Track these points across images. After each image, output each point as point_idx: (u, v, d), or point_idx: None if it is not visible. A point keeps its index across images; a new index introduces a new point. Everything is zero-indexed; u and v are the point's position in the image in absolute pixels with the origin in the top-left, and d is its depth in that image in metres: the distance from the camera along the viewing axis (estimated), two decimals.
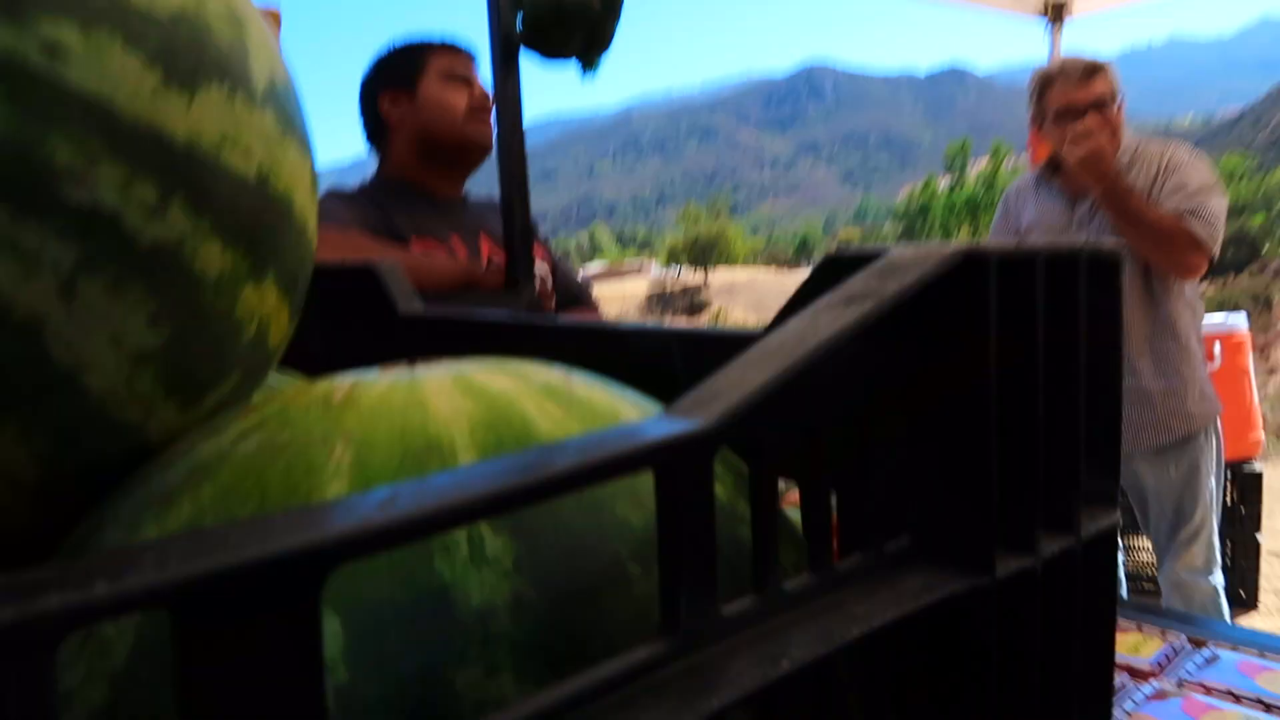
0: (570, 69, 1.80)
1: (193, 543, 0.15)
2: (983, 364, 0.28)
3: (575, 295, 1.74)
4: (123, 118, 0.29)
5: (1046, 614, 0.31)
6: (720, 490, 0.29)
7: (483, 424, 0.31)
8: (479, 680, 0.26)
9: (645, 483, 0.31)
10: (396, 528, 0.17)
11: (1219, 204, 2.06)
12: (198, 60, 0.33)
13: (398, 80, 1.55)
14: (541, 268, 1.60)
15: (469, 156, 1.57)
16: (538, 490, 0.20)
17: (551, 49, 1.92)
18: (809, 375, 0.24)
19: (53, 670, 0.13)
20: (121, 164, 0.29)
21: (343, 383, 0.35)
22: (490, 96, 1.52)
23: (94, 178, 0.28)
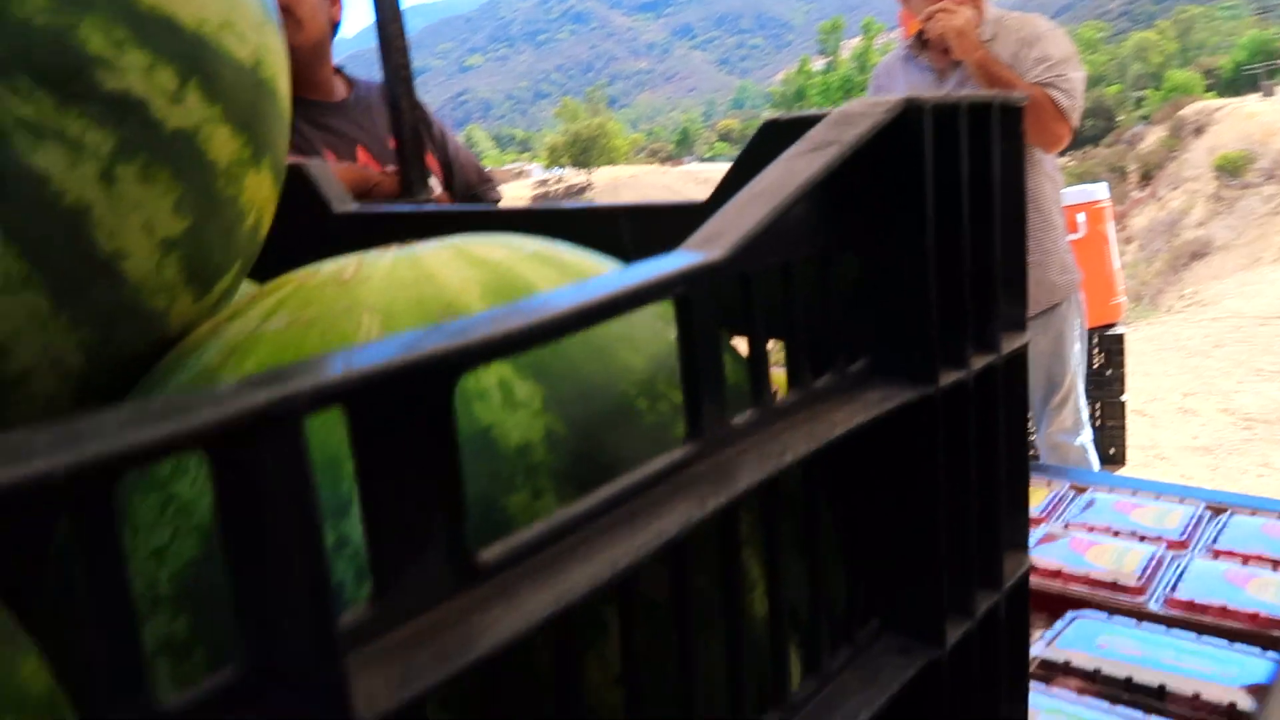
0: None
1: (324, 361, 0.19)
2: (921, 200, 0.33)
3: (477, 188, 1.71)
4: (141, 3, 0.31)
5: (979, 418, 0.38)
6: None
7: (491, 288, 0.35)
8: (528, 503, 0.31)
9: (642, 330, 0.36)
10: (522, 333, 0.21)
11: (1080, 75, 2.16)
12: None
13: None
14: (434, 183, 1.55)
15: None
16: (588, 315, 0.24)
17: None
18: (793, 213, 0.28)
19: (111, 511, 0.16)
20: (145, 51, 0.31)
21: (346, 263, 0.38)
22: None
23: (123, 65, 0.30)
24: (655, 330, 0.36)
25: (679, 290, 0.26)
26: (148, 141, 0.31)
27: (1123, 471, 3.46)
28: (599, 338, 0.34)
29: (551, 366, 0.33)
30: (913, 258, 0.34)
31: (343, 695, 0.18)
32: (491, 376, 0.32)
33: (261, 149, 0.37)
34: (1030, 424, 2.63)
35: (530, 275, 0.36)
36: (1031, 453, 2.64)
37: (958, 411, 0.36)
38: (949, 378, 0.36)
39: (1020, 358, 0.42)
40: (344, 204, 0.72)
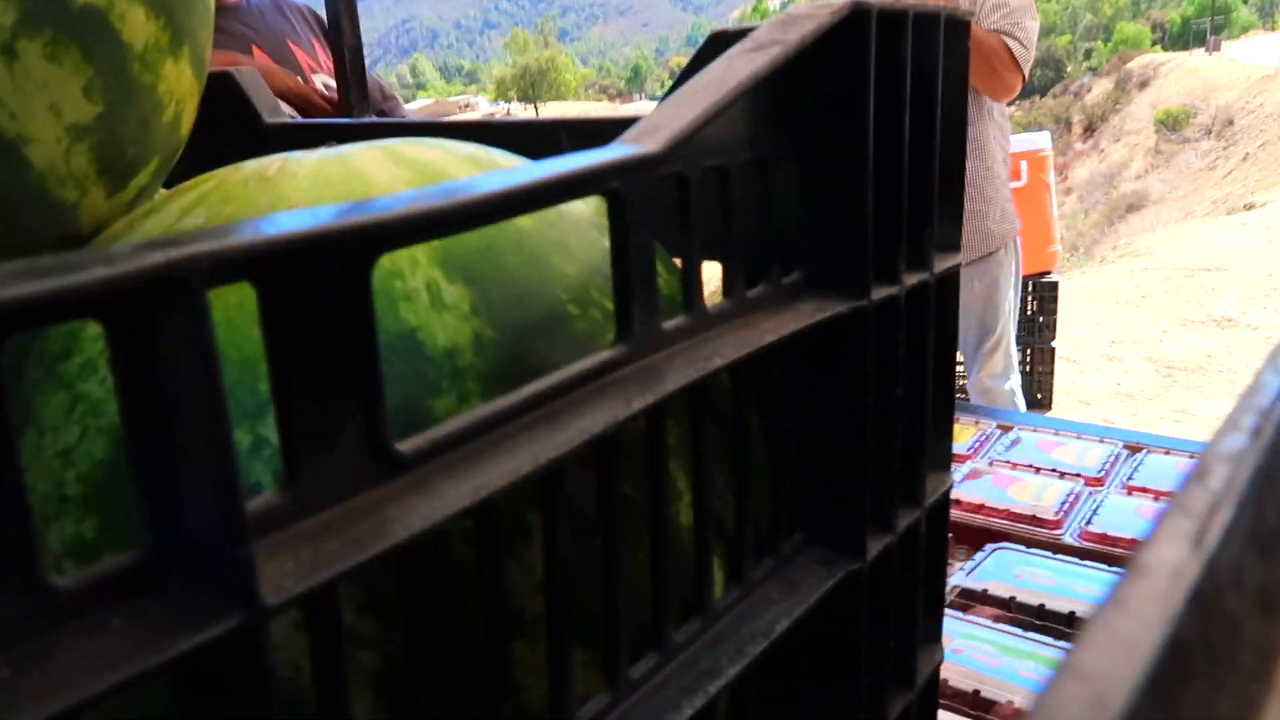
0: None
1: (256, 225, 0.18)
2: (863, 107, 0.32)
3: (381, 105, 1.65)
4: None
5: (909, 335, 0.38)
6: None
7: (416, 187, 0.34)
8: (454, 407, 0.30)
9: (577, 237, 0.35)
10: (443, 214, 0.20)
11: (1033, 25, 2.17)
12: None
13: None
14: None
15: None
16: (514, 201, 0.23)
17: None
18: (733, 111, 0.28)
19: None
20: None
21: (270, 161, 0.36)
22: None
23: None
24: (591, 239, 0.36)
25: (611, 183, 0.25)
26: (53, 16, 0.29)
27: (1048, 415, 3.56)
28: (532, 242, 0.34)
29: (482, 270, 0.32)
30: (852, 168, 0.34)
31: (248, 579, 0.18)
32: (419, 278, 0.31)
33: (180, 36, 0.35)
34: (961, 367, 2.69)
35: (463, 176, 0.35)
36: (962, 395, 2.71)
37: (888, 327, 0.36)
38: (881, 292, 0.36)
39: (952, 278, 0.42)
40: (275, 115, 0.69)
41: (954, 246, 0.42)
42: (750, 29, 0.36)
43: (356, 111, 1.46)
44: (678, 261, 0.34)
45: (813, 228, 0.35)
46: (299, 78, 1.44)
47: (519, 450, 0.23)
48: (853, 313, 0.35)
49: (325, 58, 1.52)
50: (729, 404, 0.33)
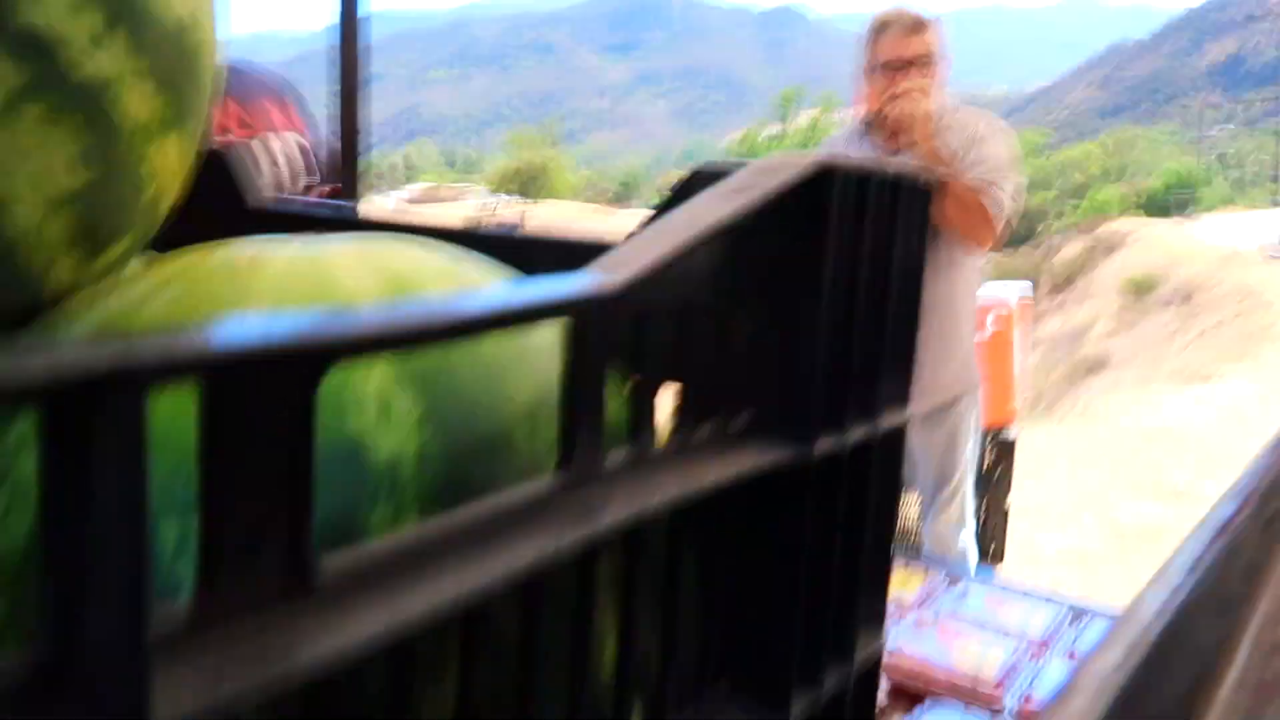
0: None
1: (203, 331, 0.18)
2: (822, 263, 0.34)
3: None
4: None
5: (851, 489, 0.38)
6: None
7: (389, 295, 0.35)
8: (389, 519, 0.30)
9: (537, 357, 0.35)
10: (397, 333, 0.20)
11: (1018, 181, 2.24)
12: None
13: None
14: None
15: None
16: (471, 325, 0.24)
17: None
18: (697, 253, 0.29)
19: None
20: None
21: (242, 250, 0.36)
22: None
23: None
24: (551, 362, 0.36)
25: (568, 313, 0.26)
26: (59, 83, 0.30)
27: (999, 571, 3.55)
28: (491, 359, 0.34)
29: (437, 382, 0.32)
30: (807, 317, 0.35)
31: (141, 696, 0.17)
32: (371, 385, 0.31)
33: (182, 113, 0.36)
34: (918, 514, 2.70)
35: (434, 287, 0.36)
36: (915, 541, 2.70)
37: (831, 479, 0.37)
38: (826, 444, 0.36)
39: (899, 434, 0.43)
40: (259, 198, 0.70)
41: (903, 402, 0.43)
42: (731, 167, 0.38)
43: (346, 194, 1.49)
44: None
45: (765, 372, 0.36)
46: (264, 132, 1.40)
47: (443, 581, 0.23)
48: (796, 463, 0.35)
49: (287, 119, 1.48)
50: (664, 543, 0.33)
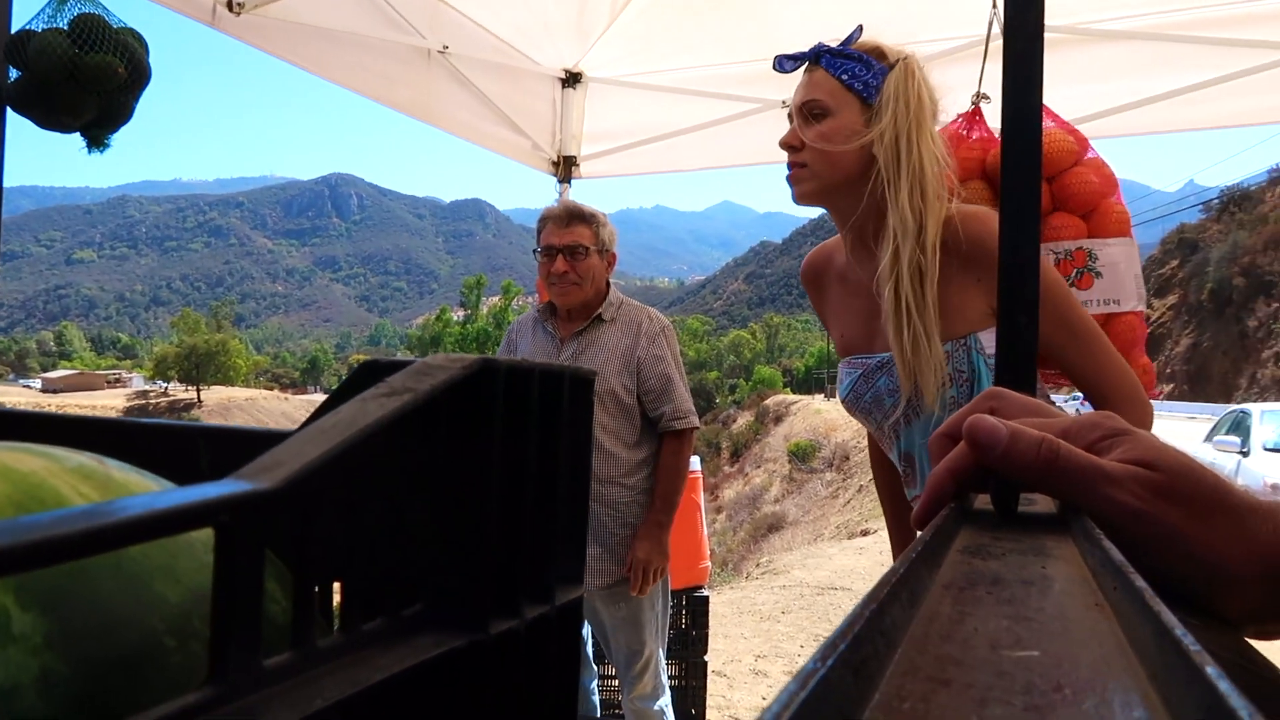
0: (65, 137, 1.63)
1: None
2: (489, 454, 0.35)
3: None
4: None
5: (529, 665, 0.39)
6: None
7: (12, 503, 0.31)
8: None
9: (188, 561, 0.33)
10: (13, 552, 0.19)
11: (681, 374, 2.48)
12: None
13: None
14: None
15: None
16: (105, 537, 0.22)
17: (54, 116, 1.71)
18: (358, 452, 0.29)
19: None
20: None
21: None
22: None
23: None
24: (204, 563, 0.34)
25: (221, 519, 0.25)
26: None
27: None
28: (134, 565, 0.32)
29: (67, 595, 0.30)
30: (476, 506, 0.36)
31: None
32: None
33: None
34: (616, 686, 2.71)
35: (65, 491, 0.33)
36: (618, 711, 2.69)
37: (508, 660, 0.37)
38: (501, 626, 0.37)
39: (575, 607, 0.44)
40: None
41: (577, 579, 0.44)
42: (400, 364, 0.39)
43: None
44: None
45: (438, 562, 0.36)
46: None
47: None
48: (470, 646, 0.35)
49: None
50: None
